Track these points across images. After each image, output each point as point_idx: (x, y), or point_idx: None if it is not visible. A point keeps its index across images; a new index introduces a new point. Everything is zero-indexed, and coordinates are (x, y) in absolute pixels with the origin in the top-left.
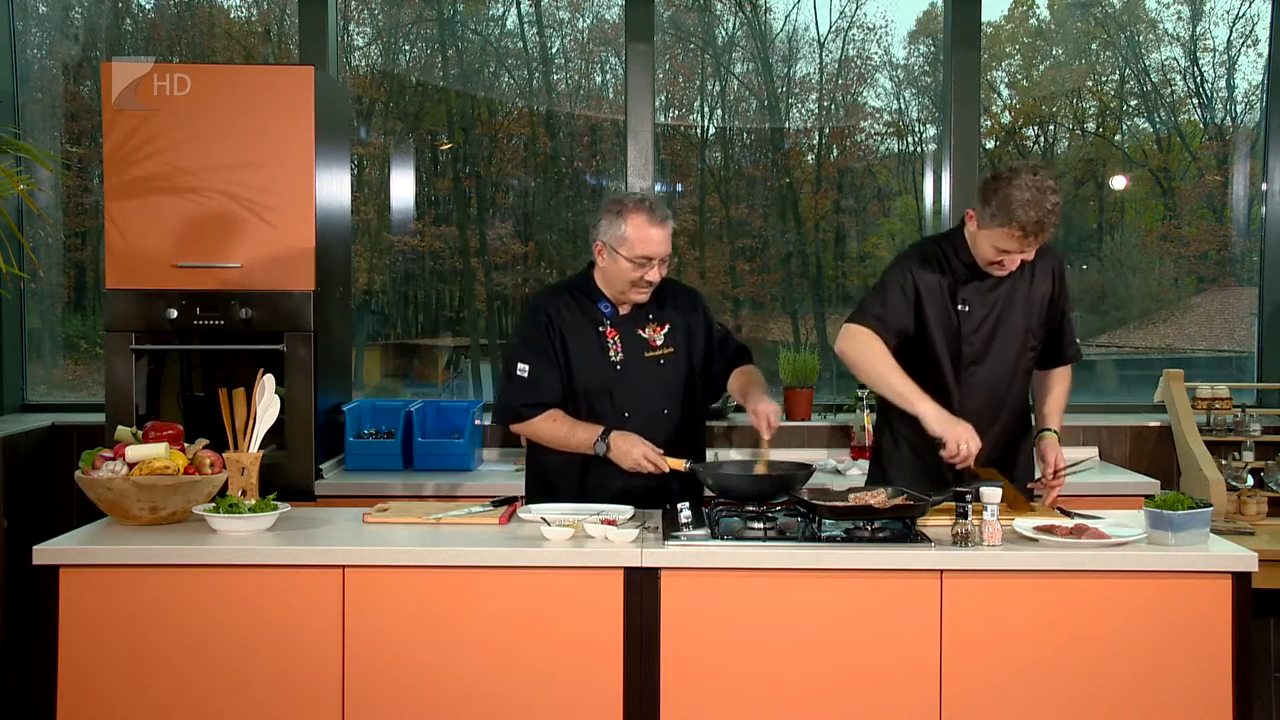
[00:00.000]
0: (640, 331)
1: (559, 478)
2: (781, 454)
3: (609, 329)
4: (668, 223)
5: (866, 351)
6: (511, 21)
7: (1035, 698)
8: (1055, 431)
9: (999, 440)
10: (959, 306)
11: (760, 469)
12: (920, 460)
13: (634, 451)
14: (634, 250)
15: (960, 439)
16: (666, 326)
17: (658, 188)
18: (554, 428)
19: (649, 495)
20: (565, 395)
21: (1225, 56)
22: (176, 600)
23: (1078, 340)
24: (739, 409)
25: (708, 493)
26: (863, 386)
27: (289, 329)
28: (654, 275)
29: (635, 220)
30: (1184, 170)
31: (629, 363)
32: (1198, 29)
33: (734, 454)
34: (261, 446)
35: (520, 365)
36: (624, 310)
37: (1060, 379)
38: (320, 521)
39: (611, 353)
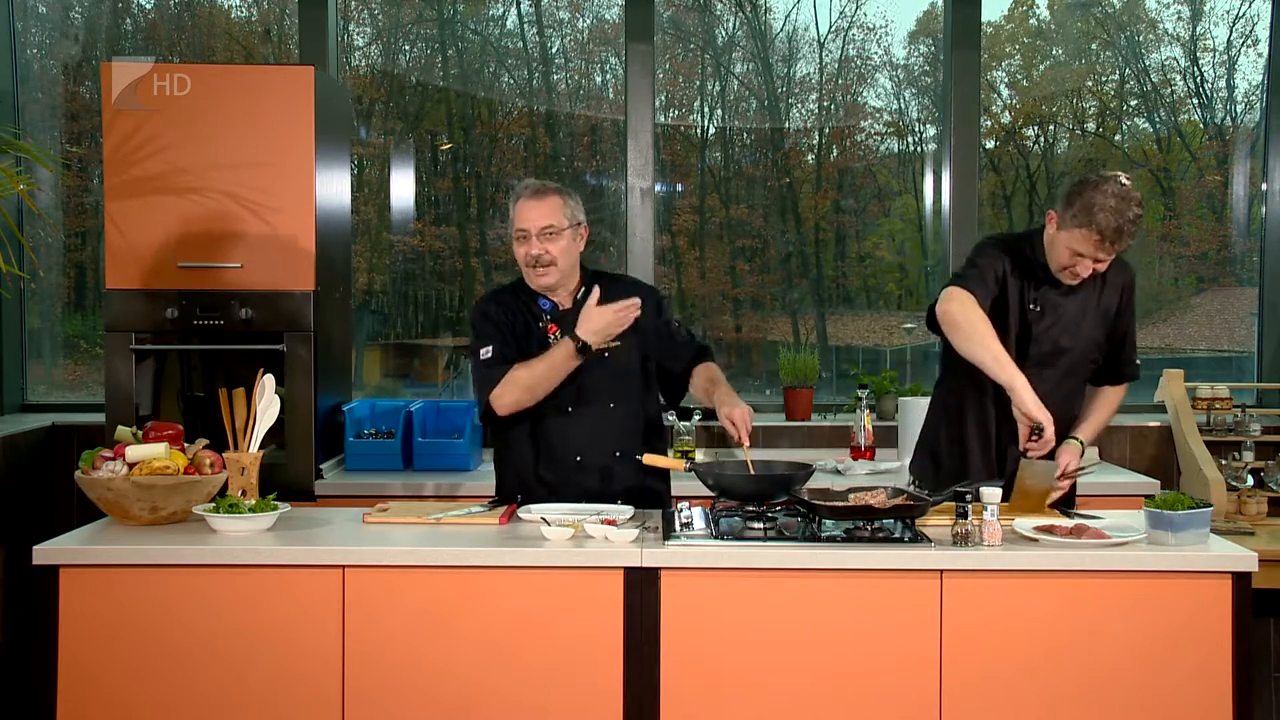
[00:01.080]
0: None
1: (528, 478)
2: (781, 454)
3: (549, 324)
4: (546, 196)
5: (970, 313)
6: (511, 21)
7: (1035, 698)
8: (1080, 441)
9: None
10: (1031, 306)
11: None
12: (973, 451)
13: (598, 320)
14: (512, 228)
15: (1050, 421)
16: None
17: (658, 188)
18: (529, 367)
19: (648, 497)
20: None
21: (1225, 56)
22: (176, 600)
23: (1138, 360)
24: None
25: (677, 489)
26: (863, 386)
27: (289, 329)
28: (535, 248)
29: (517, 200)
30: (1184, 170)
31: None
32: (1198, 29)
33: (735, 454)
34: (261, 446)
35: (483, 350)
36: (564, 306)
37: (1109, 399)
38: (320, 521)
39: None
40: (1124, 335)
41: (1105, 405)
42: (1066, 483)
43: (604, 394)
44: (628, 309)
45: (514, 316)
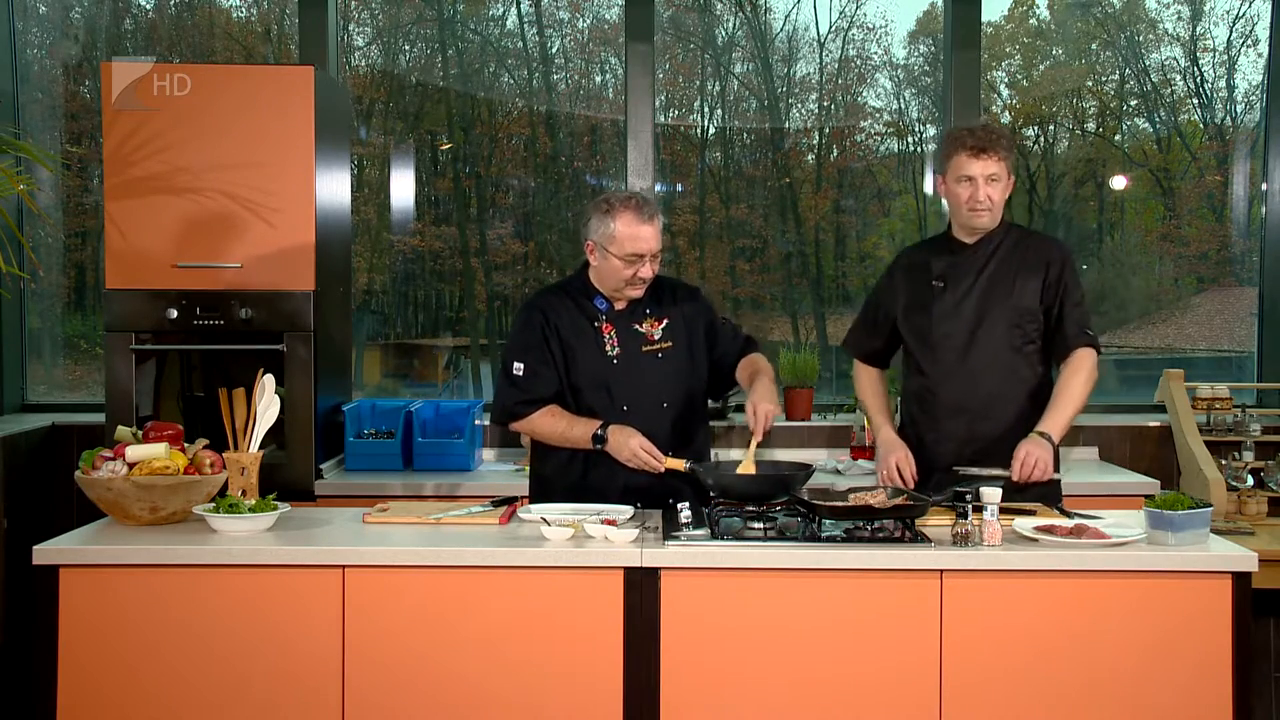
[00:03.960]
0: (637, 326)
1: (561, 480)
2: (781, 454)
3: (605, 324)
4: (656, 219)
5: (858, 387)
6: (511, 21)
7: (1035, 698)
8: (1042, 433)
9: (998, 440)
10: (935, 283)
11: (745, 468)
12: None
13: (630, 443)
14: (624, 248)
15: (886, 466)
16: (665, 321)
17: (658, 188)
18: (553, 423)
19: (651, 496)
20: (562, 391)
21: (1225, 56)
22: (176, 600)
23: (1091, 331)
24: (739, 409)
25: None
26: None
27: (289, 329)
28: (646, 271)
29: (624, 218)
30: (1184, 170)
31: (625, 357)
32: (1198, 29)
33: (734, 454)
34: (261, 446)
35: (516, 364)
36: (619, 306)
37: (1072, 371)
38: (320, 521)
39: (608, 347)
40: (1061, 308)
41: (1064, 388)
42: (1029, 474)
43: (658, 393)
44: (652, 463)
45: (571, 316)
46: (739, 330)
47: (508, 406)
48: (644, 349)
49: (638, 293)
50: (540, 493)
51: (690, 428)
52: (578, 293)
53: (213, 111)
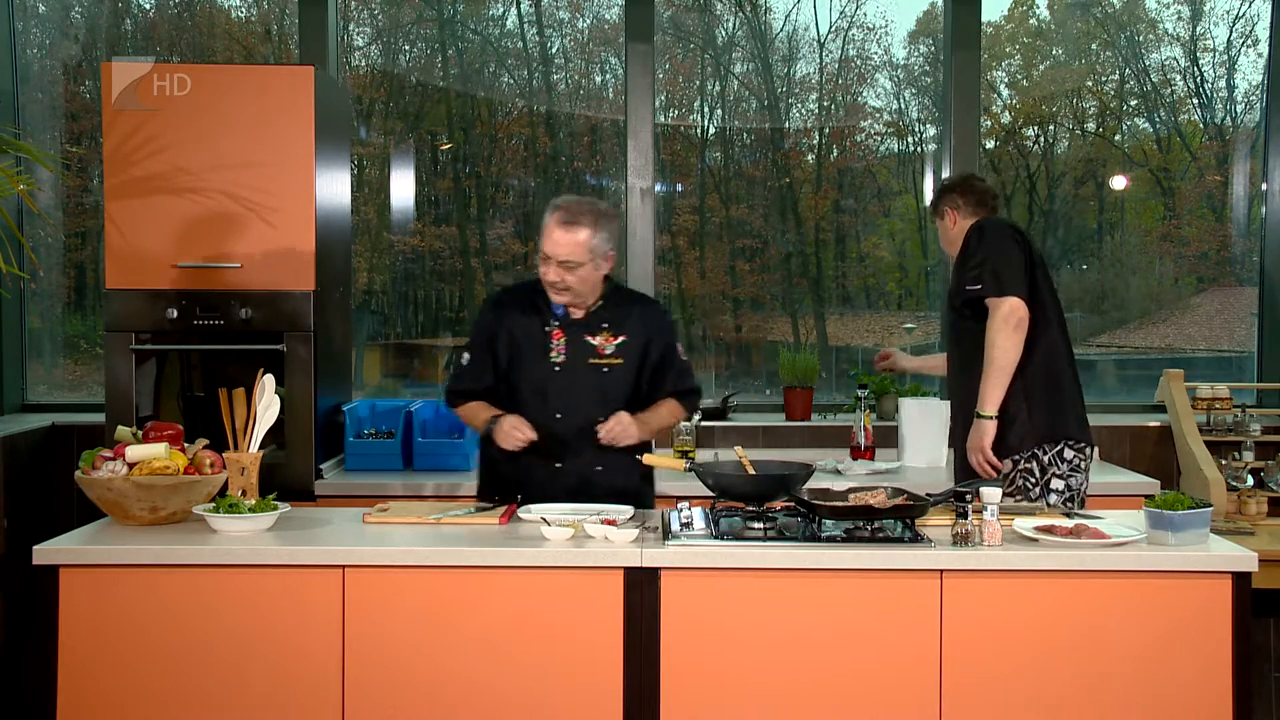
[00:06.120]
0: (589, 338)
1: (503, 471)
2: (781, 454)
3: (555, 330)
4: (579, 230)
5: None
6: (511, 21)
7: (1035, 698)
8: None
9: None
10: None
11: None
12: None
13: (504, 423)
14: (540, 245)
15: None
16: (621, 338)
17: (658, 188)
18: (473, 412)
19: (585, 494)
20: (499, 389)
21: (1225, 56)
22: (176, 600)
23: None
24: (739, 409)
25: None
26: (863, 386)
27: (289, 329)
28: (550, 274)
29: (552, 218)
30: (1184, 170)
31: (569, 366)
32: (1198, 29)
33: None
34: (261, 446)
35: (465, 354)
36: (576, 314)
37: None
38: (320, 521)
39: (553, 354)
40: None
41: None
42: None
43: (594, 407)
44: (516, 435)
45: (525, 316)
46: (688, 377)
47: (449, 389)
48: (590, 361)
49: (556, 298)
50: (486, 486)
51: (626, 447)
52: (540, 294)
53: (213, 111)
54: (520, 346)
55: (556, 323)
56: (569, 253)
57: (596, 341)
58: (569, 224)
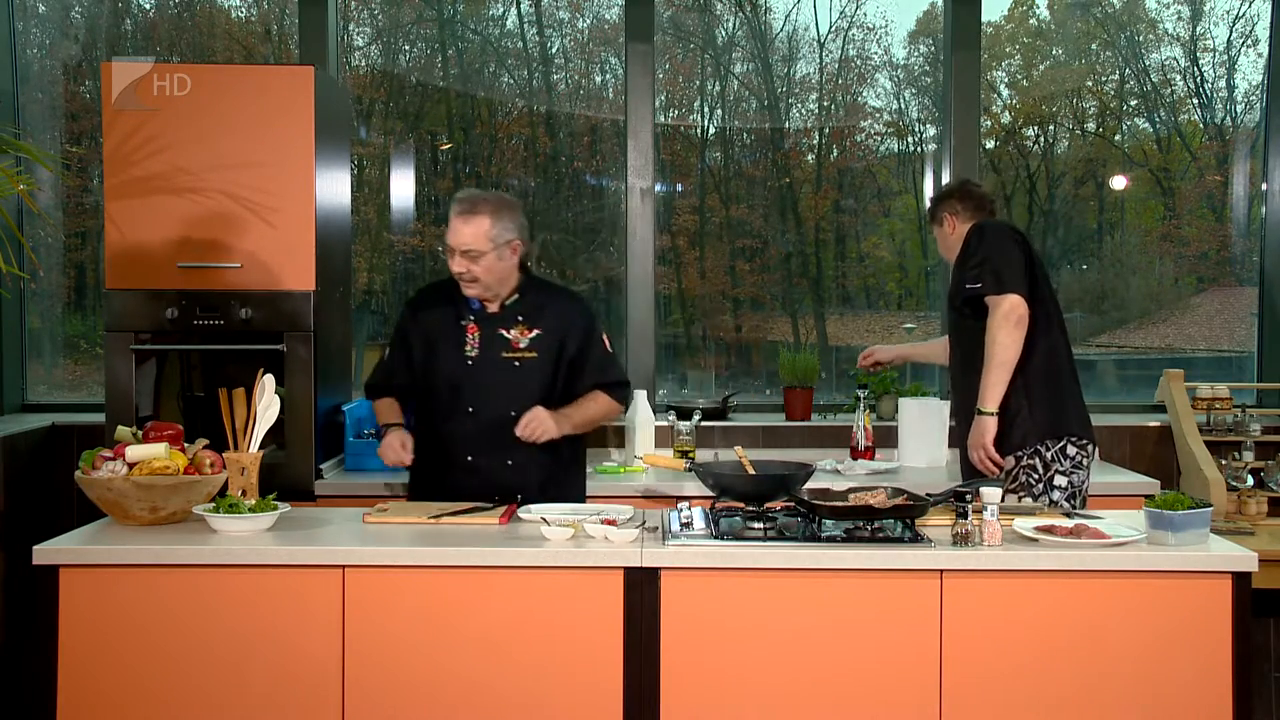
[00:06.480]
0: (504, 331)
1: (424, 467)
2: (781, 454)
3: (470, 325)
4: (476, 220)
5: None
6: (511, 21)
7: (1035, 698)
8: (979, 410)
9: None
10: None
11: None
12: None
13: (388, 438)
14: (447, 238)
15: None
16: (536, 331)
17: (658, 188)
18: (380, 411)
19: (502, 494)
20: (408, 387)
21: (1225, 56)
22: (176, 600)
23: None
24: (738, 409)
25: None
26: (863, 386)
27: (289, 329)
28: (456, 265)
29: (451, 211)
30: (1184, 170)
31: (482, 360)
32: (1198, 29)
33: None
34: (261, 446)
35: (387, 350)
36: (491, 308)
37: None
38: (320, 521)
39: (467, 348)
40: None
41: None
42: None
43: (508, 401)
44: (390, 460)
45: (443, 312)
46: (610, 369)
47: (371, 378)
48: (503, 355)
49: (466, 290)
50: (413, 484)
51: (544, 443)
52: (459, 290)
53: (213, 111)
54: (435, 341)
55: (471, 317)
56: (470, 242)
57: (511, 335)
58: (467, 214)
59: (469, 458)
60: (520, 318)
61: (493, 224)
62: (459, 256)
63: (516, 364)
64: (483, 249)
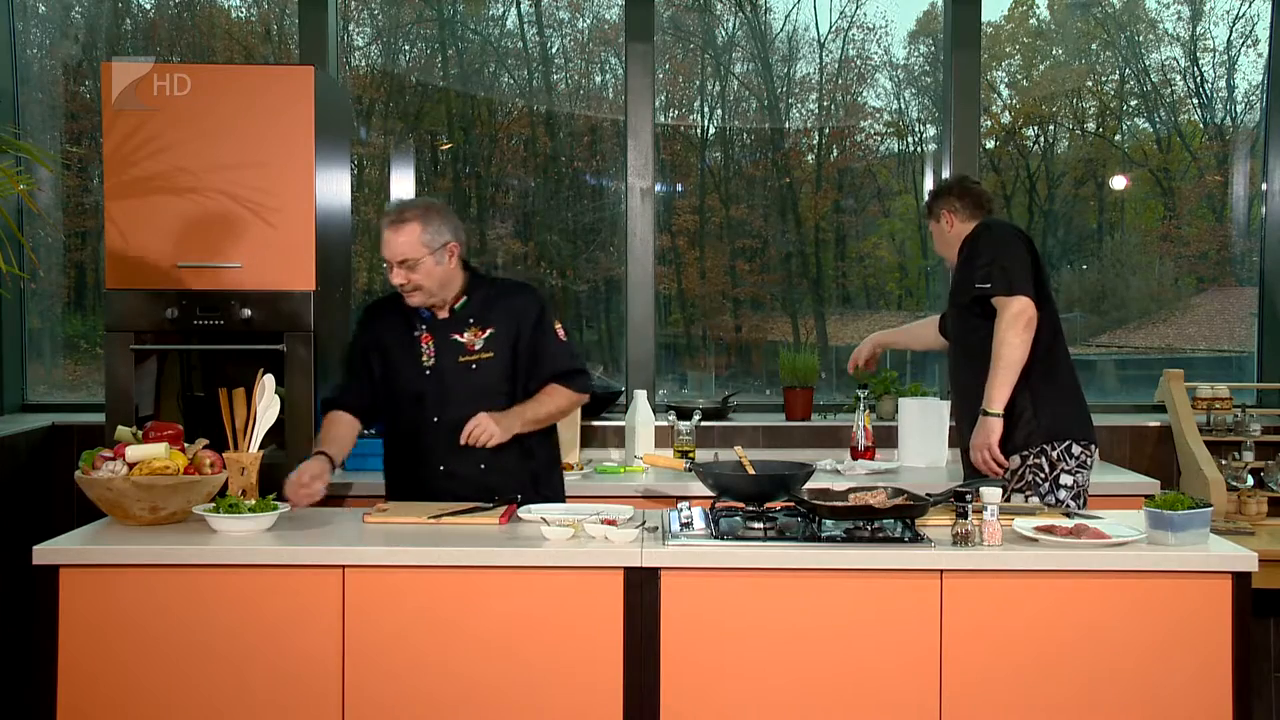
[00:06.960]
0: (457, 336)
1: (400, 474)
2: (781, 454)
3: (424, 334)
4: (404, 228)
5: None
6: (511, 21)
7: (1035, 698)
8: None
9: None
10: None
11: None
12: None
13: (300, 470)
14: (381, 253)
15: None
16: (489, 331)
17: (658, 188)
18: (323, 428)
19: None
20: (373, 406)
21: (1225, 56)
22: (176, 600)
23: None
24: (738, 409)
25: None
26: (863, 386)
27: (289, 329)
28: (396, 277)
29: (382, 225)
30: (1184, 170)
31: (440, 367)
32: (1198, 29)
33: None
34: (261, 446)
35: (343, 364)
36: (441, 315)
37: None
38: (320, 521)
39: (424, 358)
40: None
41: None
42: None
43: (470, 404)
44: (307, 495)
45: (395, 325)
46: (567, 358)
47: (329, 393)
48: (460, 359)
49: (410, 300)
50: (389, 485)
51: (517, 437)
52: (405, 302)
53: (213, 111)
54: (391, 354)
55: (424, 326)
56: (405, 251)
57: (465, 339)
58: (396, 224)
59: (441, 466)
60: (471, 320)
61: (423, 229)
62: (397, 269)
63: (474, 367)
64: (418, 255)
